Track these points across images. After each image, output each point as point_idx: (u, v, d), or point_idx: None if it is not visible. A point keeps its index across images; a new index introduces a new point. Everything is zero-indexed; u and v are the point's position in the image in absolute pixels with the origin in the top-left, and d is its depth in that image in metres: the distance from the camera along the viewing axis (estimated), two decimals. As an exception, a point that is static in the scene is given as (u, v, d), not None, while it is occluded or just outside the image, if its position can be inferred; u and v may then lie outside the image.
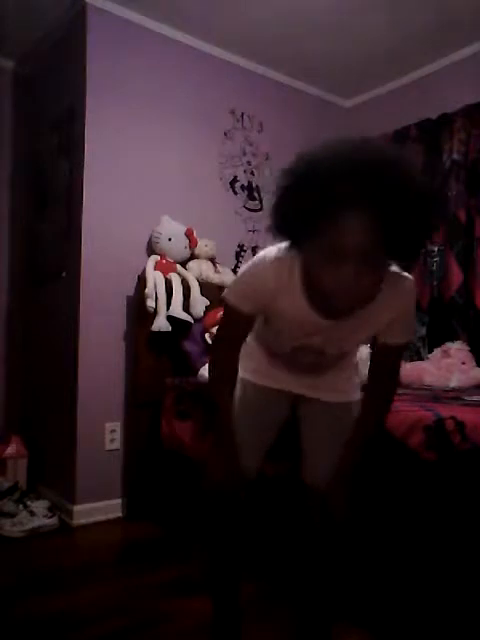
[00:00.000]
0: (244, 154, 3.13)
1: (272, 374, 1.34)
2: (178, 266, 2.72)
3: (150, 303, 2.52)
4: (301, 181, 0.94)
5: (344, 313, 1.06)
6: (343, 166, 0.90)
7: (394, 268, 1.09)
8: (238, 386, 1.35)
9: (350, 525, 1.34)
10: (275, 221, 1.02)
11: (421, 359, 2.68)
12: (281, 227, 1.02)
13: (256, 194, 3.14)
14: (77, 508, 2.52)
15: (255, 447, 1.36)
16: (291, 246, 1.04)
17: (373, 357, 1.25)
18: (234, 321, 1.20)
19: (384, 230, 0.92)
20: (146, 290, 2.53)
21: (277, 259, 1.09)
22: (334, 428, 1.33)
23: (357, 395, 1.37)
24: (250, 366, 1.36)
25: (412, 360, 2.71)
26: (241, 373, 1.34)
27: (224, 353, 1.27)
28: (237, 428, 1.31)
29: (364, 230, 0.91)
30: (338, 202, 0.91)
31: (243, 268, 1.16)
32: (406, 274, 1.12)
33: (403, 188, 0.90)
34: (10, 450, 2.67)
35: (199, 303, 2.61)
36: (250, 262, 1.14)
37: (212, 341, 1.90)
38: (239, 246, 3.07)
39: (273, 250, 1.11)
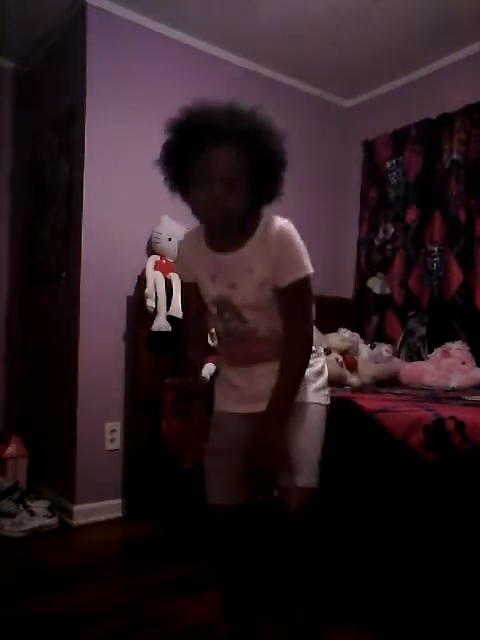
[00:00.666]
0: (244, 154, 3.12)
1: (233, 385, 1.36)
2: (178, 266, 2.72)
3: (150, 303, 2.52)
4: (181, 132, 1.22)
5: (221, 231, 1.27)
6: (212, 116, 1.19)
7: (273, 217, 1.27)
8: (212, 426, 1.40)
9: (312, 520, 1.26)
10: (164, 169, 1.27)
11: (421, 359, 2.68)
12: (169, 173, 1.27)
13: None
14: (77, 508, 2.52)
15: (225, 478, 1.33)
16: (178, 190, 1.29)
17: (279, 308, 1.29)
18: (184, 291, 1.53)
19: (244, 161, 1.17)
20: (146, 290, 2.53)
21: (189, 229, 1.43)
22: (290, 430, 1.27)
23: (312, 397, 1.32)
24: (219, 392, 1.41)
25: (412, 360, 2.71)
26: (215, 407, 1.41)
27: (185, 320, 1.55)
28: (213, 468, 1.36)
29: (227, 157, 1.17)
30: (208, 140, 1.17)
31: None
32: (282, 221, 1.27)
33: (258, 133, 1.18)
34: (10, 450, 2.67)
35: (199, 303, 2.61)
36: None
37: None
38: (239, 246, 3.06)
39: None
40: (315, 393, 1.34)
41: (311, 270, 1.25)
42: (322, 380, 1.38)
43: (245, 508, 1.34)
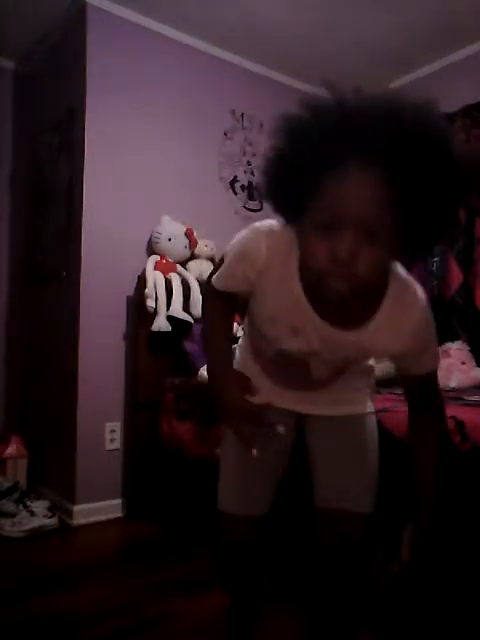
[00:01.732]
0: (244, 154, 3.13)
1: (267, 388, 1.13)
2: (178, 266, 2.72)
3: (150, 303, 2.52)
4: (302, 132, 0.77)
5: (339, 300, 0.85)
6: (354, 115, 0.73)
7: (402, 274, 0.92)
8: None
9: (365, 544, 1.20)
10: (269, 187, 0.86)
11: (421, 359, 2.67)
12: (277, 195, 0.85)
13: (256, 194, 3.14)
14: (77, 508, 2.51)
15: (260, 485, 1.20)
16: (287, 222, 0.89)
17: (406, 391, 1.08)
18: (220, 299, 1.08)
19: (395, 197, 0.74)
20: (146, 290, 2.53)
21: (273, 229, 0.92)
22: (344, 443, 1.15)
23: (368, 407, 1.18)
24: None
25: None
26: None
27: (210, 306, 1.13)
28: (237, 468, 1.19)
29: (369, 190, 0.74)
30: (342, 158, 0.74)
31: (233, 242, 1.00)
32: (416, 285, 0.94)
33: (427, 149, 0.72)
34: (10, 450, 2.67)
35: (199, 303, 2.61)
36: (241, 234, 0.98)
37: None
38: (239, 246, 3.06)
39: (269, 221, 0.93)
40: (367, 400, 1.18)
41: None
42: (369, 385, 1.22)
43: (265, 519, 1.24)
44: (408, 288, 0.92)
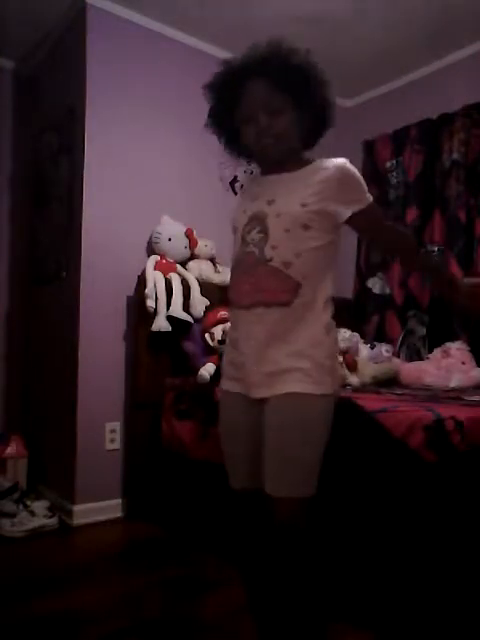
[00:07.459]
0: (244, 154, 3.12)
1: (235, 354, 1.28)
2: (178, 266, 2.72)
3: (150, 303, 2.52)
4: (220, 78, 1.32)
5: (277, 159, 1.29)
6: (249, 56, 1.29)
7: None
8: (219, 405, 1.39)
9: (309, 532, 1.20)
10: (212, 120, 1.38)
11: (421, 359, 2.68)
12: (218, 125, 1.38)
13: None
14: (77, 508, 2.52)
15: (245, 462, 1.29)
16: (231, 152, 1.41)
17: (362, 237, 1.39)
18: None
19: (280, 86, 1.24)
20: (146, 290, 2.53)
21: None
22: (278, 428, 1.19)
23: (320, 388, 1.19)
24: (225, 364, 1.37)
25: (412, 360, 2.71)
26: (220, 383, 1.39)
27: None
28: (224, 451, 1.36)
29: (263, 87, 1.23)
30: (243, 79, 1.26)
31: None
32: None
33: (286, 60, 1.26)
34: (10, 450, 2.67)
35: (199, 303, 2.61)
36: None
37: None
38: (239, 246, 3.06)
39: None
40: (322, 383, 1.20)
41: (371, 199, 1.28)
42: (333, 363, 1.25)
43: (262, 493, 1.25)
44: (332, 158, 1.27)
